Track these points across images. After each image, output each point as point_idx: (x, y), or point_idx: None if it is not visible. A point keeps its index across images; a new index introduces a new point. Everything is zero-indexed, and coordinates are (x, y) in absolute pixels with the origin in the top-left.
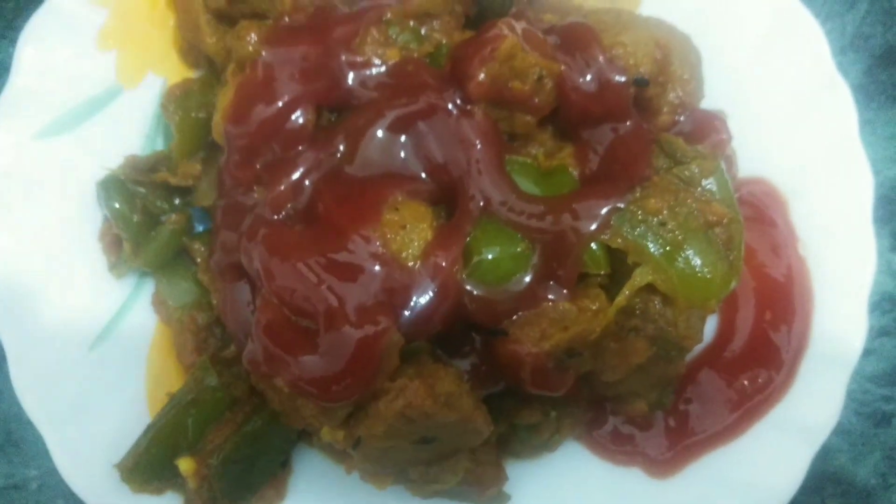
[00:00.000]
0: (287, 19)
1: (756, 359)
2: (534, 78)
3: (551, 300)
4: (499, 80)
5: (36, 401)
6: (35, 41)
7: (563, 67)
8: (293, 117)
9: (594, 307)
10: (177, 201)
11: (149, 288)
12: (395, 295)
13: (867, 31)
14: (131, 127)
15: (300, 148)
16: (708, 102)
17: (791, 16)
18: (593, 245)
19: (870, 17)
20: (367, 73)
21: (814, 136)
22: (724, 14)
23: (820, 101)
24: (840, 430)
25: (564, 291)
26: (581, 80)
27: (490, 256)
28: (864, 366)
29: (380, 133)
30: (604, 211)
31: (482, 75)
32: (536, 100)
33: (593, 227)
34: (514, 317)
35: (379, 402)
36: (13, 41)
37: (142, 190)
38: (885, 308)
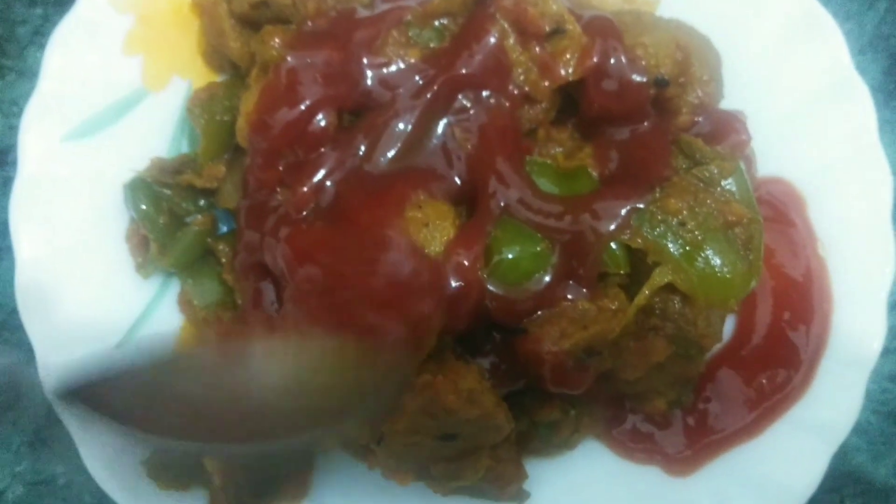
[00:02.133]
0: (310, 24)
1: (775, 358)
2: (553, 20)
3: (571, 299)
4: (523, 3)
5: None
6: (62, 47)
7: (585, 38)
8: (315, 120)
9: (614, 306)
10: (201, 203)
11: (174, 288)
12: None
13: (886, 31)
14: (157, 130)
15: (322, 149)
16: (727, 102)
17: (809, 16)
18: (613, 245)
19: (889, 17)
20: (388, 73)
21: (833, 136)
22: (742, 14)
23: (839, 101)
24: (859, 430)
25: (584, 291)
26: (604, 60)
27: (510, 256)
28: (882, 365)
29: (398, 131)
30: (623, 211)
31: None
32: (562, 70)
33: (613, 227)
34: (535, 315)
35: (402, 397)
36: (41, 47)
37: (167, 192)
38: None
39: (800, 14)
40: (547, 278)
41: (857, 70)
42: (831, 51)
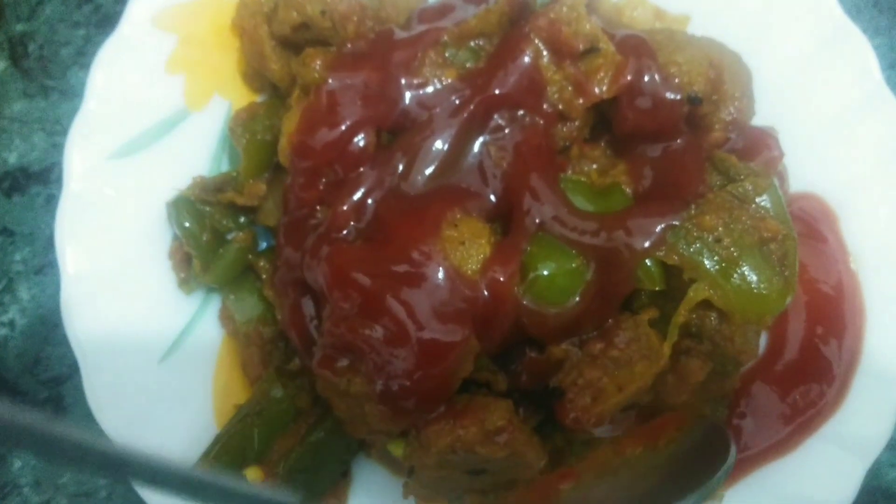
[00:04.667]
0: (349, 46)
1: (808, 373)
2: (587, 39)
3: (603, 337)
4: (557, 22)
5: (108, 412)
6: (106, 67)
7: (619, 57)
8: (355, 140)
9: (648, 354)
10: (242, 220)
11: (216, 303)
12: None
13: None
14: (198, 148)
15: (362, 169)
16: (758, 119)
17: (840, 31)
18: (648, 261)
19: None
20: (425, 93)
21: (863, 150)
22: (771, 31)
23: (869, 116)
24: (893, 445)
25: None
26: (638, 78)
27: (546, 272)
28: None
29: (435, 150)
30: (658, 228)
31: (543, 17)
32: (596, 88)
33: (648, 243)
34: (569, 371)
35: (430, 432)
36: (83, 67)
37: (209, 209)
38: None
39: (829, 29)
40: (582, 295)
41: (888, 85)
42: (861, 65)
